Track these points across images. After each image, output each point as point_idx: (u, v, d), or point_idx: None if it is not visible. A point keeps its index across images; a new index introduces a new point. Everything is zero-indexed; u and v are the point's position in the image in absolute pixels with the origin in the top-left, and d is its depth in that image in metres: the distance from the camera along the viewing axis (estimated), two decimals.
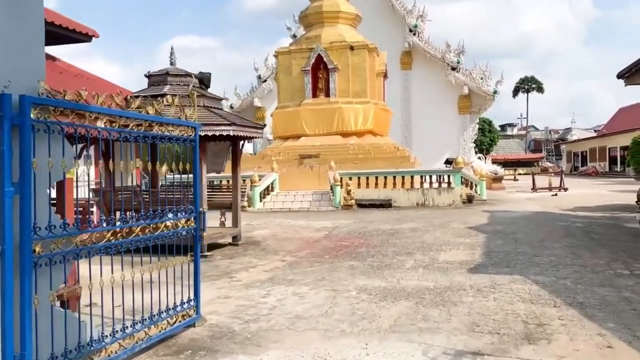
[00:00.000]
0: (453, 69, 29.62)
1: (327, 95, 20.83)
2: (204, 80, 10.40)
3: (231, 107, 32.37)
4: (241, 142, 10.62)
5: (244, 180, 18.38)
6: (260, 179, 17.92)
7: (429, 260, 8.35)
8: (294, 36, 30.05)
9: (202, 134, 9.10)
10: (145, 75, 10.13)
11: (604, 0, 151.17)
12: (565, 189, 25.88)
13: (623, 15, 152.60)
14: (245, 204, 17.43)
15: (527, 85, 75.66)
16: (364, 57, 20.67)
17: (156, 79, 9.92)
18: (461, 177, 18.91)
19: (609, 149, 50.50)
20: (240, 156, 10.65)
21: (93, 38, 13.73)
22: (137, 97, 9.55)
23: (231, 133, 9.23)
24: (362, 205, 17.08)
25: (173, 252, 4.92)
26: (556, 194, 23.68)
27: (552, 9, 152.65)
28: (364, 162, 19.13)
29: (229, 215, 11.01)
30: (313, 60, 20.61)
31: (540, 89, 76.34)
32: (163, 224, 4.74)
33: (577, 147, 59.64)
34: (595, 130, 77.40)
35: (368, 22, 27.38)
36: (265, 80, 31.42)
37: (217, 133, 9.15)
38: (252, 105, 32.33)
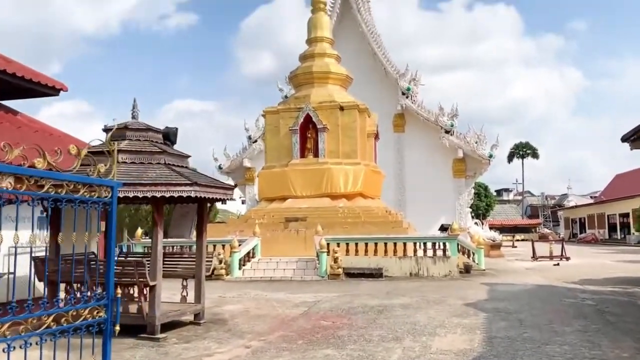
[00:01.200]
0: (447, 132, 28.99)
1: (316, 155, 19.89)
2: (169, 135, 9.38)
3: (220, 167, 31.46)
4: (209, 205, 9.46)
5: (223, 246, 17.12)
6: (240, 244, 16.60)
7: (419, 348, 6.99)
8: (286, 97, 29.58)
9: (159, 195, 7.96)
10: (103, 130, 9.09)
11: (591, 72, 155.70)
12: (567, 258, 24.57)
13: (610, 85, 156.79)
14: (223, 272, 16.05)
15: (522, 150, 75.82)
16: (354, 117, 19.91)
17: (113, 133, 8.87)
18: (458, 244, 17.65)
19: (608, 216, 49.50)
20: (206, 220, 9.43)
21: (61, 92, 12.81)
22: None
23: (192, 194, 8.06)
24: (351, 274, 15.70)
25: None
26: (558, 264, 22.35)
27: (541, 78, 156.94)
28: (354, 226, 17.91)
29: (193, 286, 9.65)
30: (302, 120, 19.82)
31: (535, 155, 76.50)
32: (51, 318, 3.48)
33: (575, 213, 58.66)
34: (591, 197, 76.82)
35: (361, 85, 26.97)
36: (256, 141, 30.67)
37: (176, 194, 7.99)
38: (241, 166, 31.43)
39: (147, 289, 7.92)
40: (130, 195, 7.71)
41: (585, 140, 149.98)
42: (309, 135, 20.12)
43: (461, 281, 15.16)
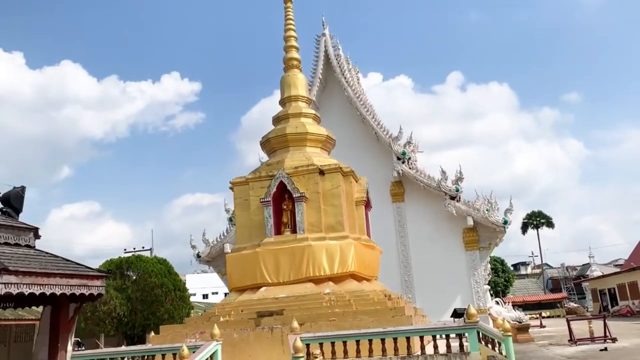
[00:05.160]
0: (452, 198, 25.51)
1: (294, 230, 16.32)
2: (10, 199, 6.01)
3: (198, 256, 27.79)
4: (74, 305, 5.89)
5: (174, 355, 13.19)
6: (195, 352, 12.66)
7: None
8: None
9: None
10: None
11: (592, 142, 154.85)
12: (614, 340, 20.15)
13: (611, 153, 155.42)
14: None
15: (536, 220, 71.62)
16: (337, 182, 16.56)
17: None
18: (478, 333, 13.62)
19: None
20: (64, 326, 5.79)
21: None
22: None
23: (1, 290, 4.53)
24: None
25: None
26: (606, 349, 17.96)
27: (543, 151, 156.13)
28: (343, 317, 14.00)
29: None
30: (274, 189, 16.46)
31: (550, 224, 72.19)
32: None
33: (602, 284, 53.51)
34: (615, 265, 71.79)
35: (351, 153, 24.23)
36: None
37: None
38: (223, 253, 27.72)
39: None
40: None
41: (595, 209, 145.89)
42: (285, 207, 16.67)
43: None
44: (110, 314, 22.20)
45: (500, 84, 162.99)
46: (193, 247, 28.04)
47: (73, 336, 6.63)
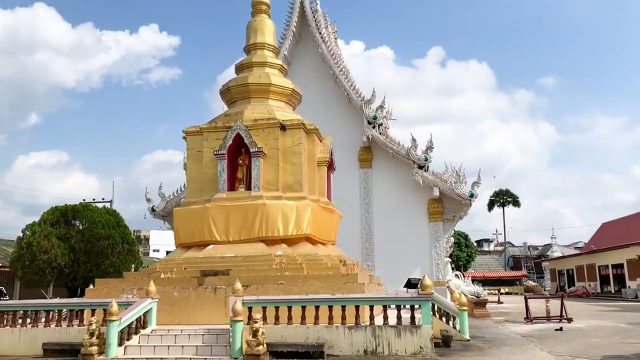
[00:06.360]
0: (420, 167, 24.73)
1: (249, 187, 15.24)
2: None
3: (153, 209, 26.55)
4: None
5: (104, 311, 12.16)
6: (127, 309, 11.66)
7: None
8: None
9: None
10: None
11: (564, 126, 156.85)
12: (569, 320, 19.97)
13: (581, 140, 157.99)
14: (95, 349, 11.01)
15: (503, 198, 72.29)
16: (299, 139, 15.45)
17: None
18: (433, 306, 12.97)
19: (599, 267, 45.26)
20: None
21: None
22: None
23: None
24: (278, 354, 10.81)
25: None
26: (561, 328, 17.67)
27: (516, 132, 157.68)
28: (293, 281, 13.14)
29: None
30: (230, 142, 15.25)
31: (516, 203, 73.02)
32: None
33: (562, 264, 54.40)
34: (575, 247, 73.18)
35: (321, 113, 23.20)
36: None
37: None
38: None
39: None
40: None
41: (560, 192, 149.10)
42: (241, 161, 15.52)
43: None
44: (51, 263, 20.86)
45: (480, 62, 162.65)
46: (148, 200, 26.75)
47: None
